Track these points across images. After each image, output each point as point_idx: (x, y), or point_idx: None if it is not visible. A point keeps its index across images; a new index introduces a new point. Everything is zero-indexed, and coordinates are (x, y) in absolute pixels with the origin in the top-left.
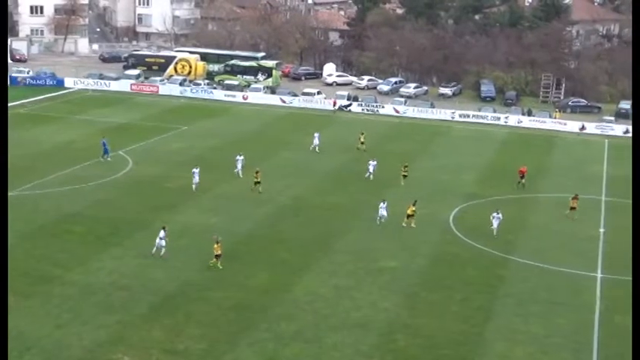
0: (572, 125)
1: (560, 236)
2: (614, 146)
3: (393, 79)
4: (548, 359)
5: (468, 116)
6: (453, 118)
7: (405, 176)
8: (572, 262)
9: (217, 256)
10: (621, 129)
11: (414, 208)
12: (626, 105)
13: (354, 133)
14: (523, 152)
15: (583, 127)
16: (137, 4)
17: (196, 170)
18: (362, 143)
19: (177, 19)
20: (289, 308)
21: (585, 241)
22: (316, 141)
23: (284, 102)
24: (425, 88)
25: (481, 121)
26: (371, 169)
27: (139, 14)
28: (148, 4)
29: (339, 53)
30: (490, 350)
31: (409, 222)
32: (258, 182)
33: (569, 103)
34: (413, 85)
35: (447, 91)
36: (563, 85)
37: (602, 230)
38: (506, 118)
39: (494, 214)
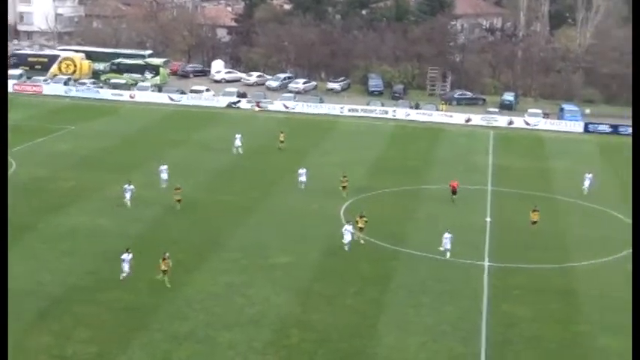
0: (458, 117)
1: (448, 227)
2: (499, 137)
3: (282, 75)
4: (439, 347)
5: (357, 110)
6: (342, 112)
7: (344, 187)
8: (460, 251)
9: (164, 272)
10: (505, 120)
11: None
12: (509, 97)
13: (244, 131)
14: (411, 145)
15: (469, 119)
16: (18, 1)
17: (164, 167)
18: (282, 142)
19: (61, 17)
20: (181, 308)
21: (472, 230)
22: (238, 142)
23: (172, 100)
24: (314, 83)
25: (370, 115)
26: (303, 178)
27: (20, 12)
28: (29, 2)
29: (227, 50)
30: (383, 342)
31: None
32: (179, 200)
33: (455, 96)
34: (302, 80)
35: (336, 86)
36: (449, 78)
37: (488, 219)
38: (394, 111)
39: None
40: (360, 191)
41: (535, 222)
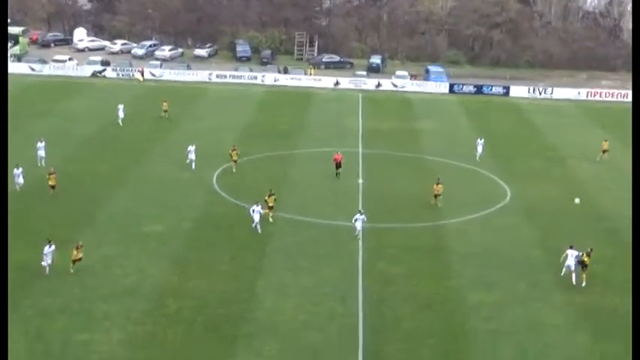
0: (326, 81)
1: (321, 190)
2: (368, 100)
3: (148, 43)
4: (318, 309)
5: (225, 77)
6: (210, 79)
7: (235, 161)
8: (334, 214)
9: (74, 261)
10: (373, 83)
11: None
12: (376, 60)
13: (111, 100)
14: (281, 110)
15: (337, 83)
16: None
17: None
18: (165, 111)
19: None
20: (53, 283)
21: (345, 193)
22: (121, 114)
23: (33, 70)
24: (180, 50)
25: (238, 81)
26: (192, 156)
27: None
28: None
29: (90, 18)
30: (261, 305)
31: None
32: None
33: (323, 60)
34: (168, 47)
35: (203, 52)
36: (317, 42)
37: (360, 181)
38: (262, 76)
39: (357, 216)
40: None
41: (437, 195)
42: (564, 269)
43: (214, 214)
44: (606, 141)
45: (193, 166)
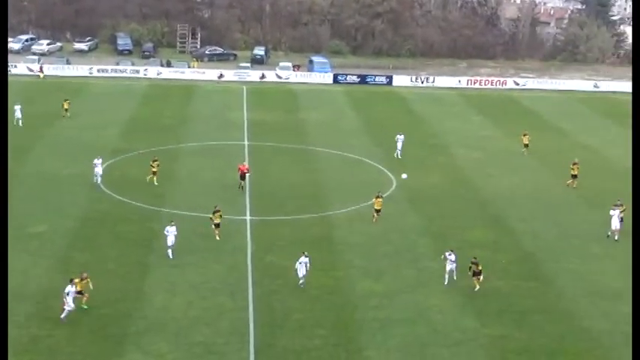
0: (210, 74)
1: (207, 184)
2: (252, 91)
3: (24, 37)
4: (207, 304)
5: (107, 71)
6: (91, 73)
7: (154, 172)
8: (221, 208)
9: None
10: (257, 74)
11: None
12: (259, 51)
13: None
14: (165, 103)
15: (221, 75)
16: None
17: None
18: (66, 110)
19: None
20: None
21: (232, 186)
22: (18, 113)
23: None
24: (59, 44)
25: (120, 75)
26: (99, 169)
27: None
28: None
29: None
30: (150, 304)
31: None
32: None
33: (207, 52)
34: (46, 41)
35: (83, 46)
36: (199, 34)
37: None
38: (145, 70)
39: (302, 259)
40: (116, 153)
41: (378, 210)
42: (446, 275)
43: (98, 211)
44: (526, 135)
45: (99, 181)
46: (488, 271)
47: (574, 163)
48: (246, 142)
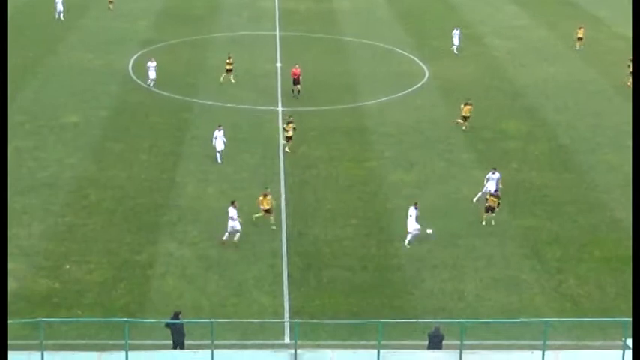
0: None
1: (239, 74)
2: None
3: None
4: (239, 195)
5: None
6: None
7: (229, 70)
8: (252, 98)
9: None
10: None
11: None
12: None
13: None
14: None
15: None
16: None
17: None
18: (110, 2)
19: None
20: None
21: (263, 77)
22: (60, 7)
23: None
24: None
25: None
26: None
27: None
28: None
29: None
30: (183, 192)
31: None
32: None
33: None
34: None
35: None
36: None
37: (278, 65)
38: None
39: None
40: (147, 44)
41: (466, 117)
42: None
43: (131, 102)
44: (581, 28)
45: (152, 85)
46: (522, 162)
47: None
48: (277, 33)
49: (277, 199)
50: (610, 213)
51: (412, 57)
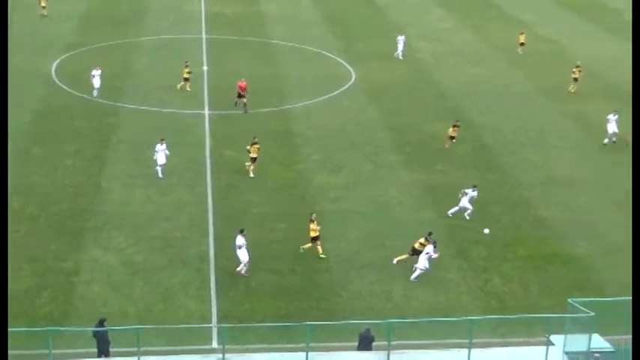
0: None
1: (164, 78)
2: None
3: None
4: (166, 199)
5: None
6: None
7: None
8: (179, 102)
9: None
10: None
11: None
12: None
13: None
14: None
15: None
16: None
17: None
18: (43, 7)
19: None
20: None
21: (190, 80)
22: None
23: None
24: None
25: None
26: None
27: None
28: None
29: None
30: (109, 198)
31: None
32: None
33: None
34: None
35: None
36: None
37: (205, 68)
38: None
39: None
40: (72, 47)
41: (453, 137)
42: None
43: (55, 106)
44: (522, 33)
45: (96, 95)
46: (448, 163)
47: (577, 66)
48: (204, 36)
49: (204, 203)
50: (534, 211)
51: (339, 60)
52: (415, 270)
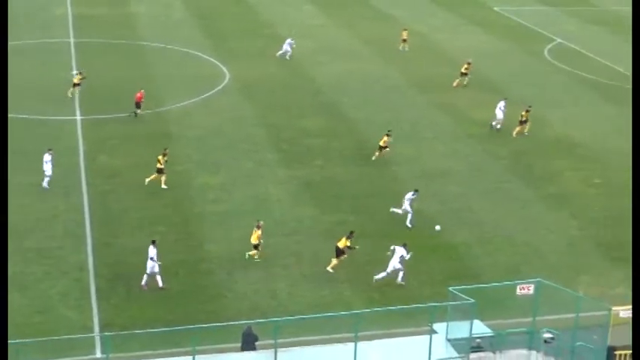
0: None
1: (33, 85)
2: None
3: None
4: (40, 207)
5: None
6: None
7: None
8: (49, 109)
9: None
10: None
11: None
12: None
13: None
14: None
15: None
16: None
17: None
18: None
19: None
20: None
21: (58, 86)
22: None
23: None
24: None
25: None
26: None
27: None
28: None
29: None
30: None
31: None
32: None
33: None
34: None
35: None
36: None
37: (74, 72)
38: None
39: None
40: None
41: (384, 148)
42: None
43: None
44: (405, 30)
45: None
46: (325, 159)
47: (468, 63)
48: (72, 40)
49: (80, 210)
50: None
51: (212, 59)
52: (390, 273)
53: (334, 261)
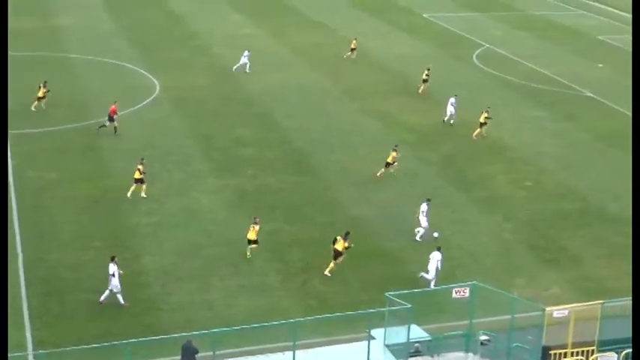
0: None
1: None
2: None
3: None
4: None
5: None
6: None
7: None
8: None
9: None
10: None
11: None
12: None
13: None
14: None
15: None
16: None
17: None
18: None
19: None
20: None
21: None
22: None
23: None
24: None
25: None
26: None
27: None
28: None
29: None
30: None
31: None
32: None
33: None
34: None
35: None
36: None
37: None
38: None
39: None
40: None
41: (391, 164)
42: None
43: None
44: (355, 39)
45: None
46: (259, 168)
47: (428, 69)
48: None
49: (10, 226)
50: (346, 211)
51: (141, 71)
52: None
53: (331, 264)
